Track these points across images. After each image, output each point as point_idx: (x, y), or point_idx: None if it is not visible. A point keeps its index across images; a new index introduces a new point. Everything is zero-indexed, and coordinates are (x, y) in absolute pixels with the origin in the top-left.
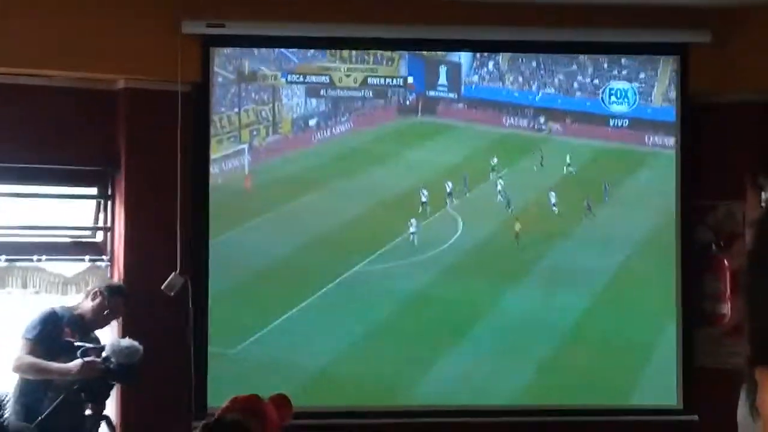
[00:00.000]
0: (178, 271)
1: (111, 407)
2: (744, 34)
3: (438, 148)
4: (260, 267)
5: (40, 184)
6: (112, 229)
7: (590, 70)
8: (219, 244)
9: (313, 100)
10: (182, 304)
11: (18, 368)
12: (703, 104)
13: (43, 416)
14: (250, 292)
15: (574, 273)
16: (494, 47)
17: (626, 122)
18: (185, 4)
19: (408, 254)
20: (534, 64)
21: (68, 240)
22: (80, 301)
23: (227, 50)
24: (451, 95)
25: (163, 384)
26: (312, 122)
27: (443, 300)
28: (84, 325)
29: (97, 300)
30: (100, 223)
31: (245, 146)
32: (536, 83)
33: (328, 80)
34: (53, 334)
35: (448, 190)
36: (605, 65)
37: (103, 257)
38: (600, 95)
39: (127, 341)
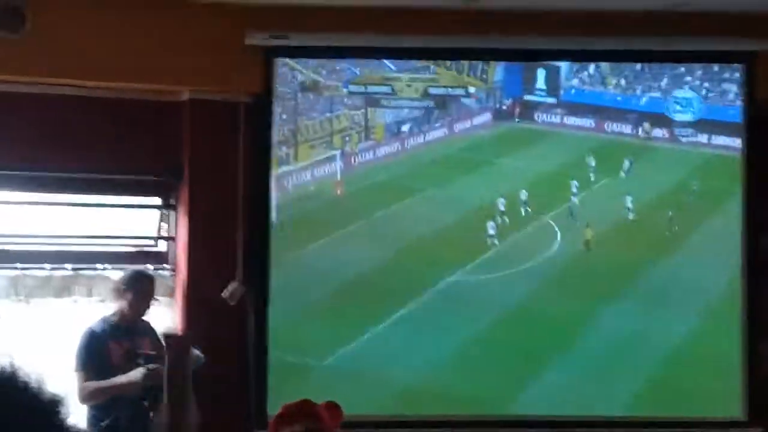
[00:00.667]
0: (239, 279)
1: None
2: None
3: (534, 155)
4: (351, 276)
5: (105, 194)
6: (175, 238)
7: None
8: (311, 252)
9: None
10: (244, 312)
11: (84, 399)
12: None
13: (104, 424)
14: (340, 303)
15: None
16: (557, 56)
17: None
18: (249, 16)
19: (502, 266)
20: (638, 67)
21: (132, 249)
22: (114, 307)
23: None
24: (550, 100)
25: (224, 392)
26: (405, 128)
27: (540, 314)
28: (127, 326)
29: (124, 296)
30: (164, 233)
31: (337, 152)
32: (640, 87)
33: (390, 90)
34: (100, 354)
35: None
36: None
37: (166, 266)
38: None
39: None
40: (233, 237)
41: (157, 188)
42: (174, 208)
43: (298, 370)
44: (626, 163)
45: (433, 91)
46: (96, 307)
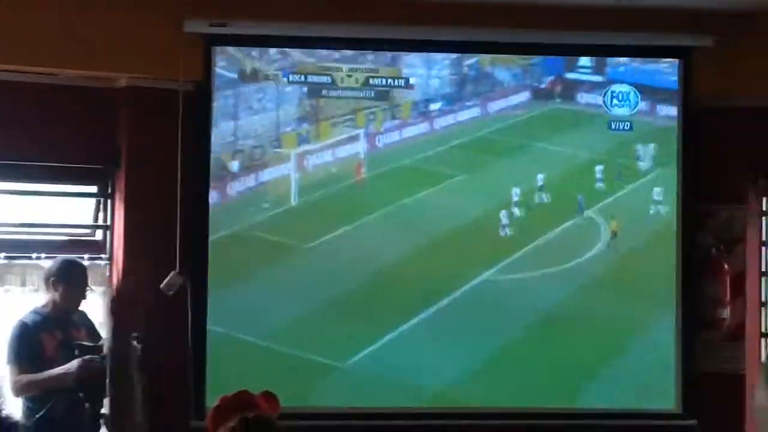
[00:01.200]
0: (177, 270)
1: (107, 408)
2: (746, 38)
3: (575, 140)
4: (372, 271)
5: (40, 182)
6: (111, 227)
7: None
8: (331, 241)
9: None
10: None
11: (18, 391)
12: (705, 108)
13: (39, 415)
14: (360, 300)
15: None
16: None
17: None
18: (188, 3)
19: (536, 264)
20: None
21: (67, 238)
22: (46, 297)
23: None
24: (596, 78)
25: (161, 385)
26: (434, 106)
27: (584, 320)
28: (60, 317)
29: (55, 286)
30: (100, 222)
31: (361, 131)
32: None
33: (329, 80)
34: (33, 346)
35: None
36: None
37: (102, 256)
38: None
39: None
40: (172, 226)
41: (94, 176)
42: (111, 196)
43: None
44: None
45: (374, 81)
46: (30, 297)
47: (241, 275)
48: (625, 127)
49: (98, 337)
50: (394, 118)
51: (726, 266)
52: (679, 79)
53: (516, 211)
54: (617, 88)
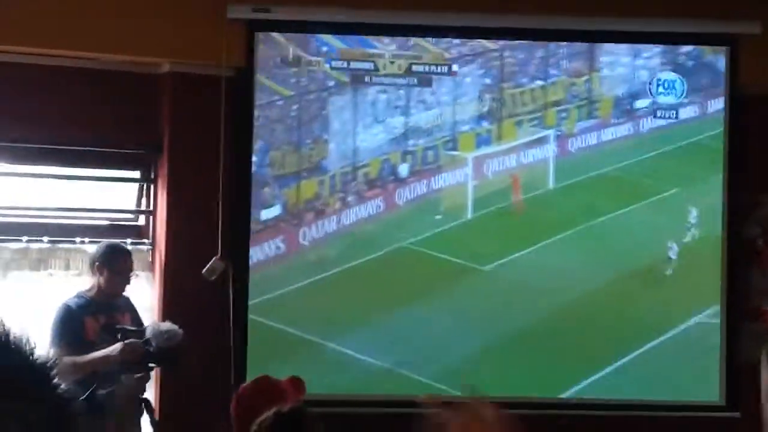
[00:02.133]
0: (219, 255)
1: (150, 391)
2: None
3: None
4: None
5: (83, 167)
6: (154, 212)
7: None
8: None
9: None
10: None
11: (61, 374)
12: (752, 96)
13: (82, 398)
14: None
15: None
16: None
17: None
18: None
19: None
20: None
21: (110, 223)
22: (90, 282)
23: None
24: None
25: (202, 369)
26: (641, 104)
27: (628, 310)
28: (104, 302)
29: (100, 271)
30: (143, 207)
31: (551, 133)
32: None
33: (372, 66)
34: (75, 329)
35: None
36: None
37: (145, 241)
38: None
39: (167, 325)
40: (214, 212)
41: (137, 161)
42: (154, 181)
43: (290, 348)
44: None
45: (415, 68)
46: (73, 281)
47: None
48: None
49: (141, 322)
50: (590, 117)
51: None
52: (726, 67)
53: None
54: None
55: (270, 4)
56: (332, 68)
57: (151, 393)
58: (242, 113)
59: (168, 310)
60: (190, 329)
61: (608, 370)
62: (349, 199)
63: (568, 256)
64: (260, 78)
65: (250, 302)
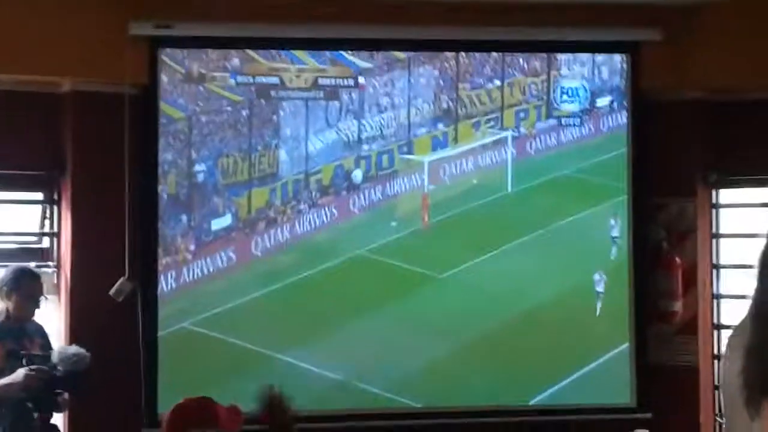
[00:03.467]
0: (126, 276)
1: (58, 416)
2: (695, 32)
3: None
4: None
5: None
6: (58, 234)
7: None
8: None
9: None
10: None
11: None
12: (655, 102)
13: None
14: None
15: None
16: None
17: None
18: (132, 5)
19: None
20: None
21: (16, 246)
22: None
23: None
24: None
25: (112, 392)
26: (602, 102)
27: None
28: (13, 327)
29: (8, 296)
30: (46, 229)
31: (509, 134)
32: None
33: (278, 81)
34: None
35: None
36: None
37: (50, 263)
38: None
39: (74, 348)
40: (120, 232)
41: (40, 182)
42: (57, 203)
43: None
44: None
45: (322, 81)
46: None
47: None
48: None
49: (51, 347)
50: (549, 117)
51: (677, 259)
52: (627, 74)
53: None
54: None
55: (172, 20)
56: (237, 83)
57: (59, 419)
58: (147, 131)
59: (75, 333)
60: (98, 352)
61: (569, 377)
62: (302, 207)
63: (527, 262)
64: (164, 97)
65: (191, 320)
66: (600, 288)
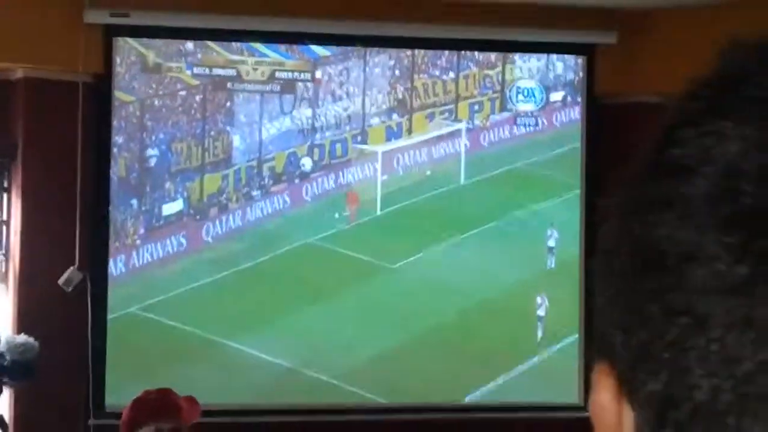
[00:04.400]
0: (76, 265)
1: (4, 406)
2: (649, 36)
3: None
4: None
5: None
6: (7, 222)
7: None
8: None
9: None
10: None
11: None
12: (608, 104)
13: None
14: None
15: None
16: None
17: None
18: None
19: None
20: None
21: None
22: None
23: None
24: None
25: (59, 382)
26: (556, 97)
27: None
28: None
29: None
30: None
31: (462, 126)
32: None
33: (235, 73)
34: None
35: None
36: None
37: None
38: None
39: (22, 338)
40: (71, 221)
41: None
42: (7, 190)
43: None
44: None
45: (279, 74)
46: None
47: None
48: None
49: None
50: (504, 110)
51: None
52: (583, 77)
53: None
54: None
55: (129, 9)
56: (193, 75)
57: (5, 409)
58: (100, 119)
59: (23, 322)
60: (47, 341)
61: (518, 370)
62: (254, 194)
63: (479, 254)
64: (118, 84)
65: (142, 304)
66: (541, 312)
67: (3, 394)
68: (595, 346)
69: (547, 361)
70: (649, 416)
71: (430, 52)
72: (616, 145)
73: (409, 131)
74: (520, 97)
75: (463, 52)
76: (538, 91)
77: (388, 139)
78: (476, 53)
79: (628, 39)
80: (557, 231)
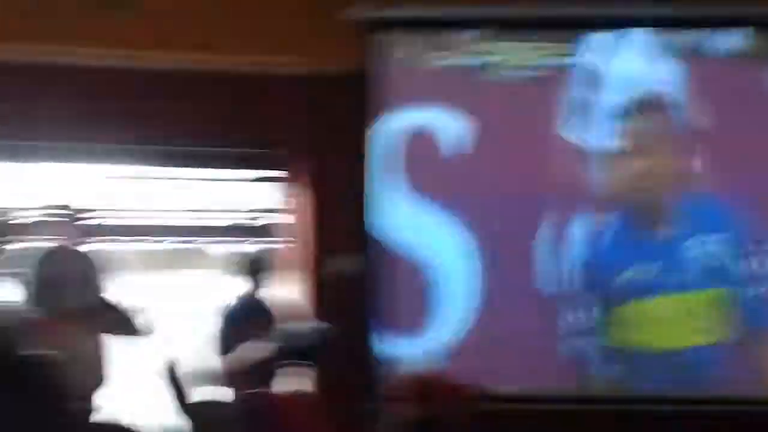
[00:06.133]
0: (358, 252)
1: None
2: None
3: None
4: None
5: (219, 168)
6: (292, 212)
7: None
8: None
9: None
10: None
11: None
12: None
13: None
14: None
15: None
16: None
17: None
18: None
19: None
20: None
21: (246, 224)
22: (240, 286)
23: None
24: None
25: (344, 368)
26: None
27: None
28: (253, 306)
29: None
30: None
31: None
32: None
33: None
34: (233, 334)
35: None
36: None
37: (281, 239)
38: None
39: (307, 323)
40: (350, 211)
41: (273, 161)
42: (289, 181)
43: None
44: None
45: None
46: (215, 281)
47: None
48: None
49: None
50: None
51: None
52: None
53: None
54: None
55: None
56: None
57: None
58: (370, 112)
59: (312, 307)
60: (335, 327)
61: None
62: None
63: None
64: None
65: None
66: None
67: (293, 378)
68: None
69: None
70: None
71: None
72: None
73: None
74: None
75: None
76: None
77: None
78: None
79: None
80: None
